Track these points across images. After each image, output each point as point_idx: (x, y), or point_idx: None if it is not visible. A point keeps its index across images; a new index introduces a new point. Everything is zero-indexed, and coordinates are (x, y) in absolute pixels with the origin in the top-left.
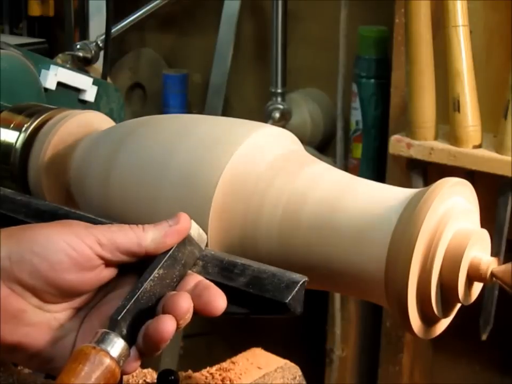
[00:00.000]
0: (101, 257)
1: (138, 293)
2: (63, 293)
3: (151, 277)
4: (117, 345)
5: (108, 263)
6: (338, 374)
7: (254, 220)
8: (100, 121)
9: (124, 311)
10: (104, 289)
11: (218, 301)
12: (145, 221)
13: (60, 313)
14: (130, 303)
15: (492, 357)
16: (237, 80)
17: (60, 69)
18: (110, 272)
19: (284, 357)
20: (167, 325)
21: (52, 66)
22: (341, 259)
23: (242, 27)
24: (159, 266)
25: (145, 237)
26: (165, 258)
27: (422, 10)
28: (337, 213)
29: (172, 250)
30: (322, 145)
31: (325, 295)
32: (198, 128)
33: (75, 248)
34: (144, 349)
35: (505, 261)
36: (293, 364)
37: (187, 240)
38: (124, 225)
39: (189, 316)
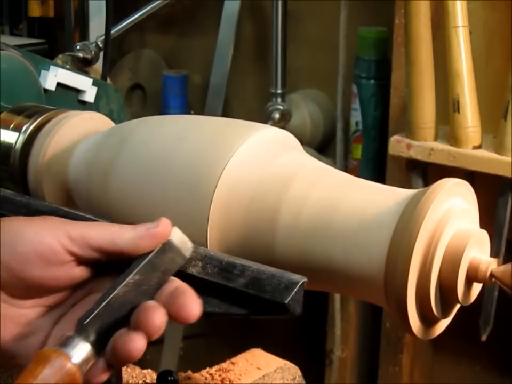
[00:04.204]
0: (71, 253)
1: (109, 298)
2: (30, 288)
3: (125, 282)
4: (81, 351)
5: (80, 260)
6: (338, 375)
7: (254, 220)
8: (99, 122)
9: (92, 316)
10: (83, 289)
11: (191, 307)
12: (145, 222)
13: (28, 309)
14: (100, 308)
15: (492, 358)
16: (236, 81)
17: (60, 69)
18: (83, 271)
19: (284, 357)
20: (137, 344)
21: (51, 67)
22: (340, 260)
23: (242, 28)
24: (134, 272)
25: (120, 236)
26: (142, 263)
27: (421, 11)
28: (336, 213)
29: (150, 256)
30: (322, 146)
31: (324, 296)
32: (198, 129)
33: (42, 241)
34: (112, 362)
35: (505, 261)
36: (292, 365)
37: (167, 247)
38: (102, 222)
39: (162, 330)
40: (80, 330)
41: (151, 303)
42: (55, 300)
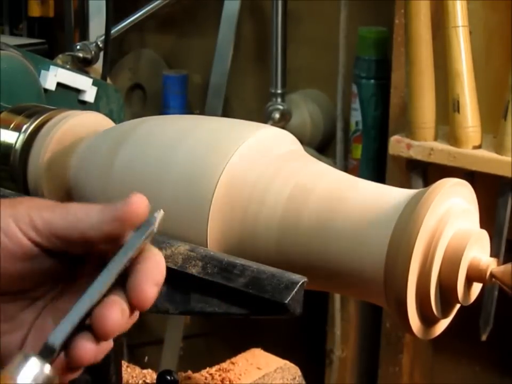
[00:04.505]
0: (37, 245)
1: (85, 311)
2: (10, 281)
3: (102, 289)
4: (41, 374)
5: (50, 251)
6: (338, 375)
7: (253, 220)
8: (99, 122)
9: (63, 338)
10: (66, 278)
11: (146, 289)
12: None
13: (8, 304)
14: (73, 326)
15: (492, 358)
16: (236, 81)
17: (60, 69)
18: (58, 262)
19: (284, 357)
20: (87, 348)
21: (51, 67)
22: (340, 259)
23: (242, 27)
24: (110, 276)
25: (86, 220)
26: (121, 263)
27: (421, 11)
28: (336, 213)
29: (131, 252)
30: (322, 146)
31: (324, 296)
32: (198, 129)
33: (6, 232)
34: (68, 365)
35: (505, 261)
36: (292, 364)
37: (150, 236)
38: (74, 204)
39: (119, 329)
40: (46, 353)
41: (112, 297)
42: (39, 292)
